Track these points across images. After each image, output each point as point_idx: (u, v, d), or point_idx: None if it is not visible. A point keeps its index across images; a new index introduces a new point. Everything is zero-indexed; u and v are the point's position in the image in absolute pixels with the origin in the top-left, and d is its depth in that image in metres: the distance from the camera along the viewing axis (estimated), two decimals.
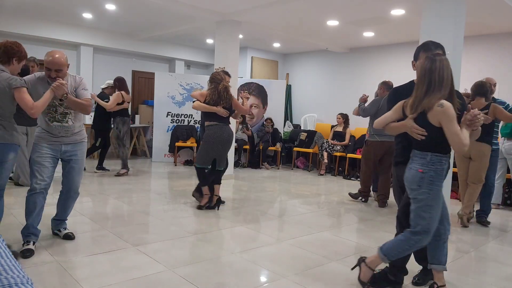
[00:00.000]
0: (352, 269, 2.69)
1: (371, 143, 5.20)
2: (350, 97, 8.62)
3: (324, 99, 9.30)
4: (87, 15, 7.20)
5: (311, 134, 8.42)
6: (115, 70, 9.11)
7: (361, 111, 5.23)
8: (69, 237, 3.29)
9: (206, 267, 2.92)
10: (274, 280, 2.73)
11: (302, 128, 9.37)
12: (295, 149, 8.62)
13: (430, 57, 2.31)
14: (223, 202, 4.77)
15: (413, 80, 2.59)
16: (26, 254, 2.87)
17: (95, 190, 5.31)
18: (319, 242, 3.61)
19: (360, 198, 5.48)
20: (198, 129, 8.55)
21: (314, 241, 3.65)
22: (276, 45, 9.19)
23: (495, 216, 5.01)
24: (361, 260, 2.59)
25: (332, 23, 6.73)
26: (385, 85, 5.27)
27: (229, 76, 4.94)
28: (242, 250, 3.29)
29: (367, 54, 8.51)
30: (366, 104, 5.29)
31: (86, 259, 2.88)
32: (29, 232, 2.99)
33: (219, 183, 4.66)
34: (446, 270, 2.58)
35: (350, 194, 5.58)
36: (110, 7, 6.47)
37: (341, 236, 3.83)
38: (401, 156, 2.59)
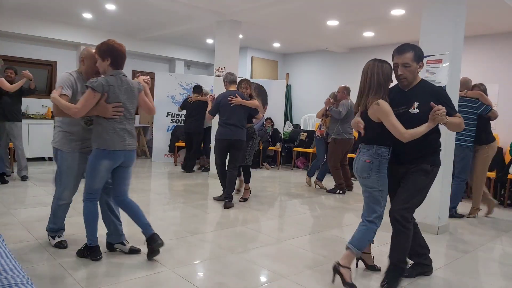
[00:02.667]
0: (333, 282, 2.60)
1: (341, 141, 5.84)
2: (350, 97, 8.61)
3: (324, 99, 9.25)
4: (87, 15, 7.20)
5: (311, 134, 8.41)
6: None
7: (337, 114, 5.75)
8: (136, 251, 3.06)
9: (206, 267, 2.92)
10: (274, 280, 2.73)
11: (302, 128, 9.37)
12: (295, 149, 8.62)
13: (369, 62, 2.63)
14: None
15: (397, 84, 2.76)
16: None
17: None
18: (319, 242, 3.61)
19: (338, 191, 5.99)
20: None
21: (314, 241, 3.65)
22: (276, 45, 9.19)
23: (495, 216, 5.01)
24: (337, 267, 2.58)
25: (332, 23, 6.73)
26: (346, 90, 5.97)
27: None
28: (242, 250, 3.29)
29: (367, 54, 8.47)
30: (334, 107, 5.85)
31: (86, 259, 2.87)
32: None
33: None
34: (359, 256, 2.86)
35: (327, 190, 6.11)
36: (110, 7, 6.47)
37: (341, 236, 3.83)
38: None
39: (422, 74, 3.51)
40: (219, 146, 4.80)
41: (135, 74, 9.47)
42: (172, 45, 9.43)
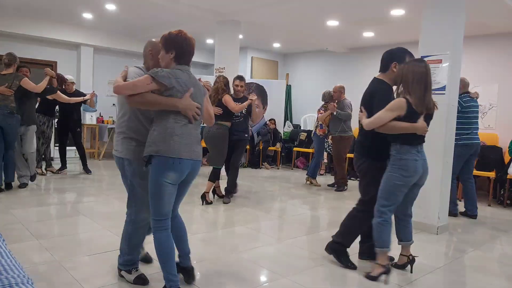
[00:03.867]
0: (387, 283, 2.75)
1: (347, 138, 6.11)
2: (350, 97, 8.59)
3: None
4: (87, 15, 7.20)
5: (311, 134, 8.42)
6: (115, 70, 9.09)
7: (347, 117, 6.02)
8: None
9: (206, 267, 2.92)
10: (274, 280, 2.73)
11: (302, 128, 9.37)
12: (295, 149, 8.62)
13: (422, 64, 2.67)
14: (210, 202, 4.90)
15: (382, 80, 2.87)
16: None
17: (96, 190, 5.31)
18: (319, 242, 3.61)
19: (344, 187, 6.22)
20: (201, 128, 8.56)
21: (314, 241, 3.65)
22: (276, 45, 9.19)
23: (495, 215, 5.01)
24: (387, 267, 2.75)
25: (332, 23, 6.73)
26: (343, 89, 6.24)
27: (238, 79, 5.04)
28: (242, 250, 3.29)
29: (367, 54, 8.50)
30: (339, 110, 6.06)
31: (87, 259, 2.88)
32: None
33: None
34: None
35: (336, 189, 6.26)
36: (110, 7, 6.47)
37: None
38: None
39: None
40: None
41: None
42: None
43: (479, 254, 3.53)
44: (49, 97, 5.68)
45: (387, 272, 2.72)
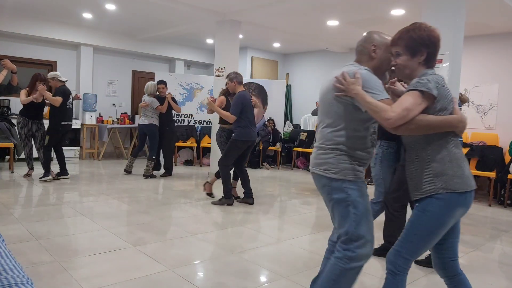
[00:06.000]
0: None
1: None
2: None
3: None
4: (87, 15, 7.20)
5: (311, 134, 8.41)
6: (115, 70, 9.12)
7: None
8: None
9: (206, 267, 2.92)
10: (274, 280, 2.73)
11: (302, 128, 9.37)
12: (295, 149, 8.62)
13: None
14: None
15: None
16: None
17: (95, 190, 5.31)
18: (319, 242, 3.61)
19: None
20: (199, 129, 8.56)
21: (314, 241, 3.65)
22: (276, 45, 9.19)
23: (495, 215, 5.01)
24: None
25: (332, 23, 6.73)
26: None
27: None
28: (242, 250, 3.29)
29: None
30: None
31: (86, 259, 2.88)
32: None
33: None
34: None
35: None
36: (110, 7, 6.47)
37: None
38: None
39: None
40: (242, 147, 4.71)
41: (135, 74, 9.50)
42: (172, 45, 9.42)
43: (479, 254, 3.53)
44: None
45: None
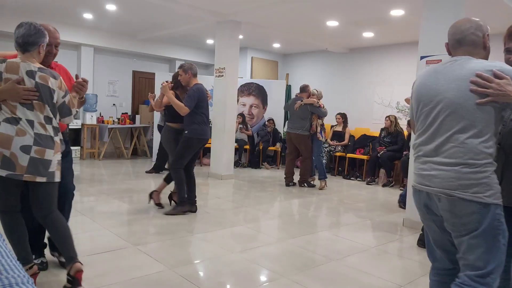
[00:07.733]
0: None
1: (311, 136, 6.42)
2: (350, 97, 8.62)
3: (323, 99, 9.28)
4: (88, 16, 7.20)
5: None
6: (116, 70, 9.13)
7: (324, 114, 6.40)
8: None
9: (206, 267, 2.92)
10: (274, 280, 2.73)
11: None
12: None
13: None
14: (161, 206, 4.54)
15: None
16: None
17: (96, 190, 5.32)
18: (319, 242, 3.61)
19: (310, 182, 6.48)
20: None
21: (314, 241, 3.65)
22: (276, 45, 9.19)
23: None
24: None
25: (332, 23, 6.73)
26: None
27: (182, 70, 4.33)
28: (242, 250, 3.30)
29: (366, 55, 8.50)
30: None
31: (86, 259, 2.88)
32: None
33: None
34: None
35: (308, 184, 6.52)
36: (111, 7, 6.48)
37: (341, 236, 3.84)
38: None
39: None
40: (197, 146, 4.24)
41: (135, 74, 9.51)
42: (172, 45, 9.43)
43: None
44: None
45: None
